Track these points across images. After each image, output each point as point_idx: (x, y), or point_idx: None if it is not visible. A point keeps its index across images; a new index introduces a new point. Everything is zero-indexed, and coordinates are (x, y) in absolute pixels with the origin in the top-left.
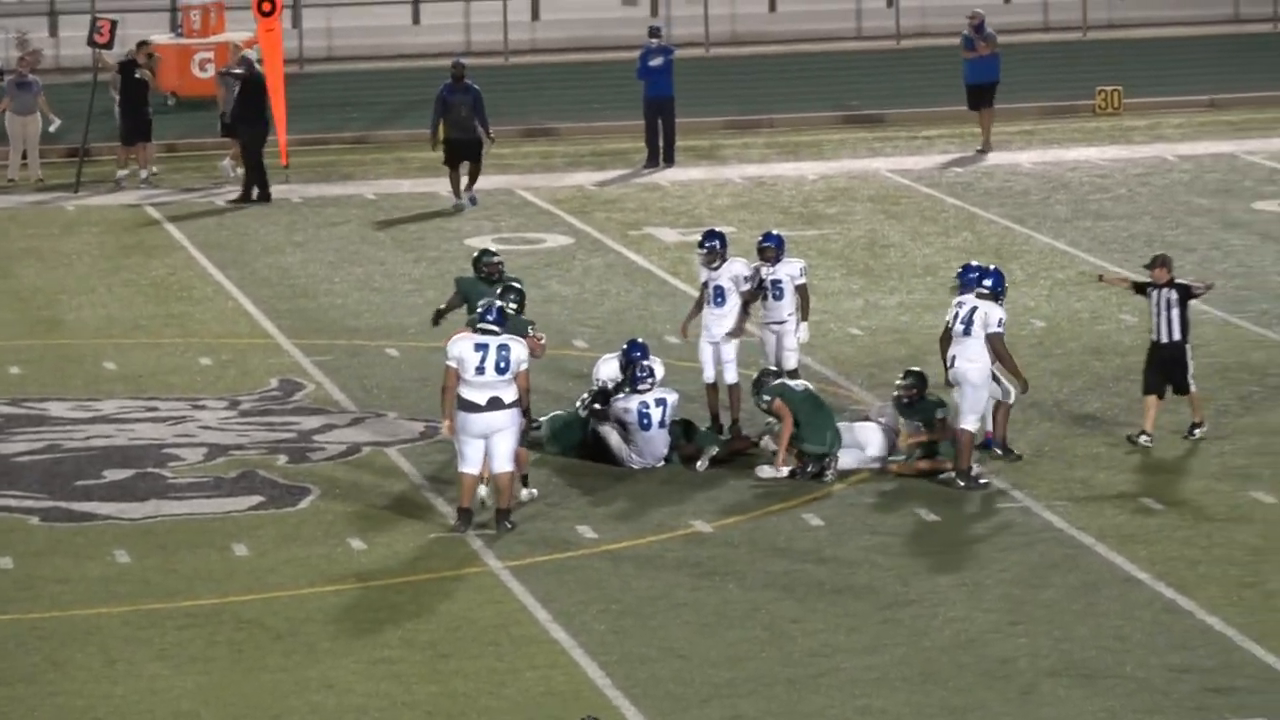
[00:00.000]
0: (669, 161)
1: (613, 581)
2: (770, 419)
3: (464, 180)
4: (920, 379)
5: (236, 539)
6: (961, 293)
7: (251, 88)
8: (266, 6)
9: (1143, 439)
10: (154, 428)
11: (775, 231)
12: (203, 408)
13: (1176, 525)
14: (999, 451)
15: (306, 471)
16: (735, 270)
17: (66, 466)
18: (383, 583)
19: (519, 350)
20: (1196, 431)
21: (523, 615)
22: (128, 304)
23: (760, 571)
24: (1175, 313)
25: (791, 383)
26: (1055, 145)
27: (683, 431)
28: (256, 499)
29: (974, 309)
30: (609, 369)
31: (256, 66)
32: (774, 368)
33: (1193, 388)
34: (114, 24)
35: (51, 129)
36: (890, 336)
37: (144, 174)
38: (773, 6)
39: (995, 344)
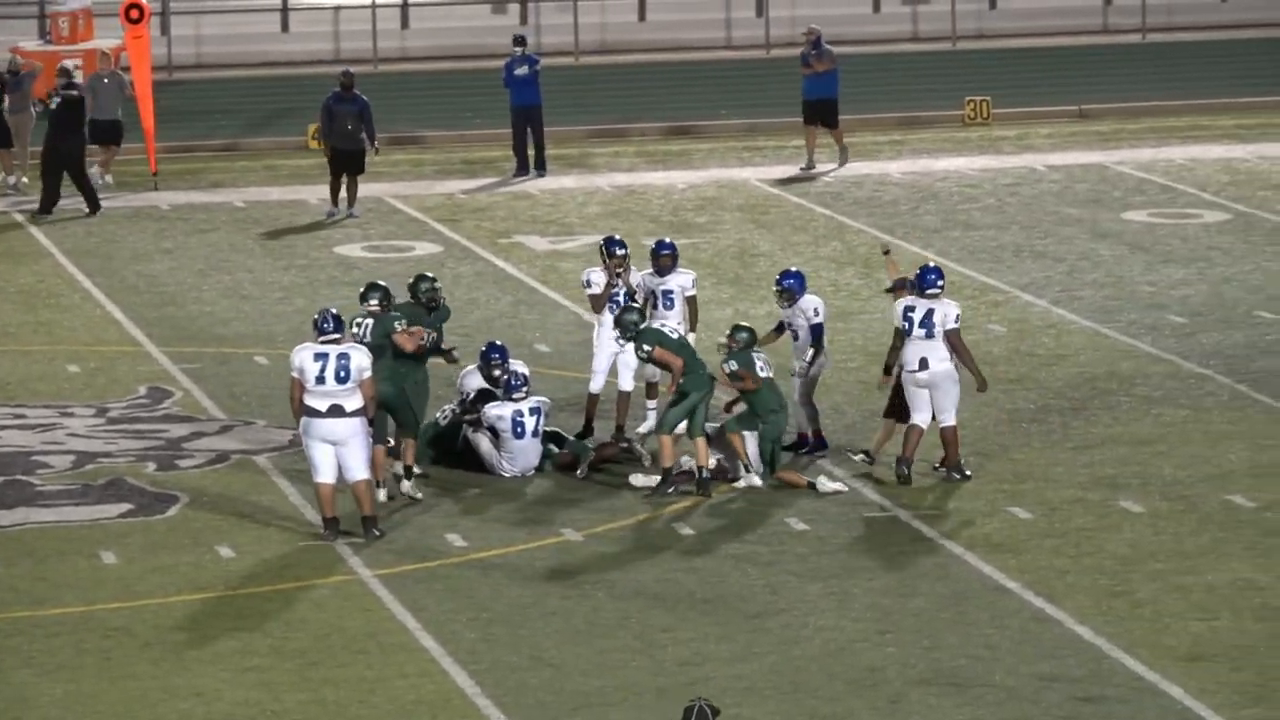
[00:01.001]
0: (541, 170)
1: (482, 590)
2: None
3: (343, 191)
4: (751, 334)
5: (105, 546)
6: (784, 303)
7: (73, 99)
8: (135, 14)
9: (859, 457)
10: (22, 435)
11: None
12: (71, 415)
13: (1045, 534)
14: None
15: (175, 479)
16: (636, 280)
17: None
18: (251, 590)
19: (359, 359)
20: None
21: (392, 623)
22: None
23: (630, 580)
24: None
25: (661, 328)
26: (924, 155)
27: (553, 441)
28: (125, 507)
29: (930, 310)
30: (475, 380)
31: (74, 76)
32: (635, 304)
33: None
34: None
35: None
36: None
37: (13, 180)
38: (642, 15)
39: (954, 339)
